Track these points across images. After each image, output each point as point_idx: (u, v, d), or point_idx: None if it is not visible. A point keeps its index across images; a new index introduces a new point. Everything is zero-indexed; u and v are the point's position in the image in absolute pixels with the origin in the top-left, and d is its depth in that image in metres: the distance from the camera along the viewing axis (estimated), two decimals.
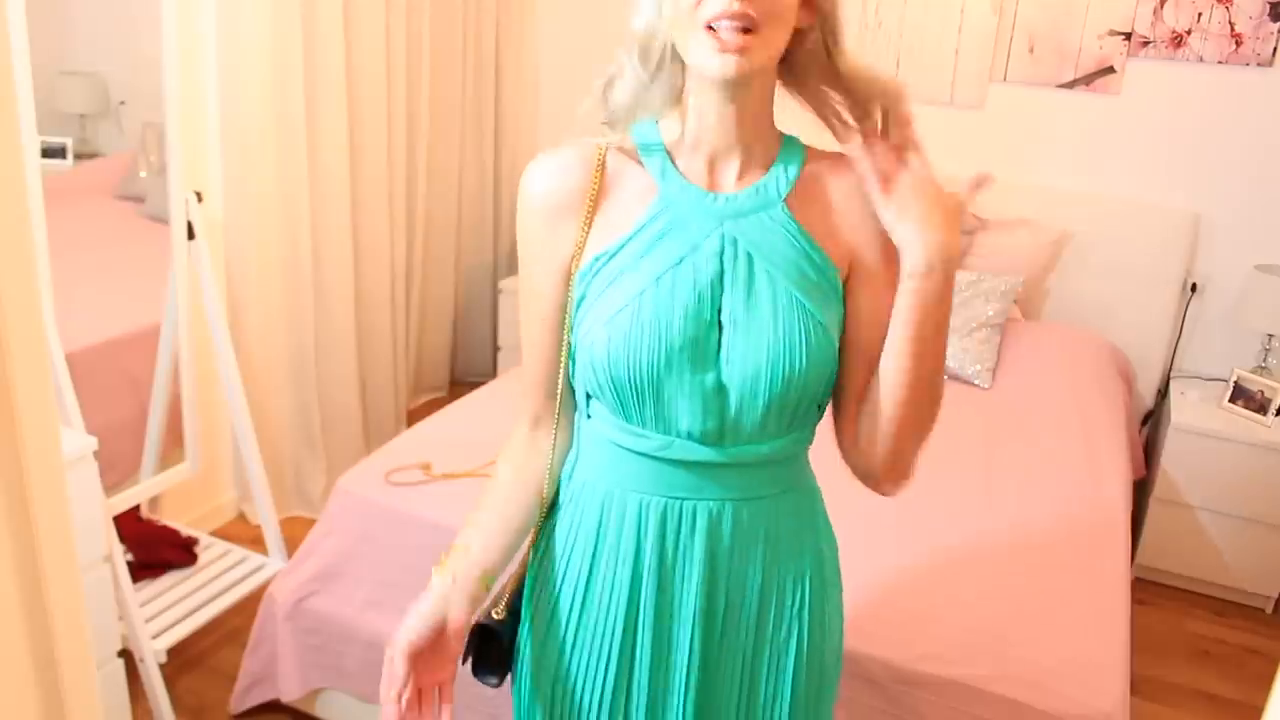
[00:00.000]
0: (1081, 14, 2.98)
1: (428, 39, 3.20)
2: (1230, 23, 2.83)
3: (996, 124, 3.16)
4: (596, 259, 0.99)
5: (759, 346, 0.96)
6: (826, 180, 1.02)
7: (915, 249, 0.93)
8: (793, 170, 1.01)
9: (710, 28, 0.88)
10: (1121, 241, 3.03)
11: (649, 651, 1.06)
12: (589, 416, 1.05)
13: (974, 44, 3.11)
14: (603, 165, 1.01)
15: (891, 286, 0.98)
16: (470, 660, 1.14)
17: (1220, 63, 2.87)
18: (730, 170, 1.00)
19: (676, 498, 1.02)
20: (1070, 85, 3.05)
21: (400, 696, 1.01)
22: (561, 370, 1.05)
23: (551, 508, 1.11)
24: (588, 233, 1.00)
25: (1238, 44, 2.84)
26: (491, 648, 1.14)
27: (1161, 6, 2.89)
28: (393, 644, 1.02)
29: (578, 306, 1.01)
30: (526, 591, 1.14)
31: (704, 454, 1.00)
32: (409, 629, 1.02)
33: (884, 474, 1.06)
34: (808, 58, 0.97)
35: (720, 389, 0.97)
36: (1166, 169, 3.02)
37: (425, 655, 1.03)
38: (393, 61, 3.04)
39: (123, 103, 2.40)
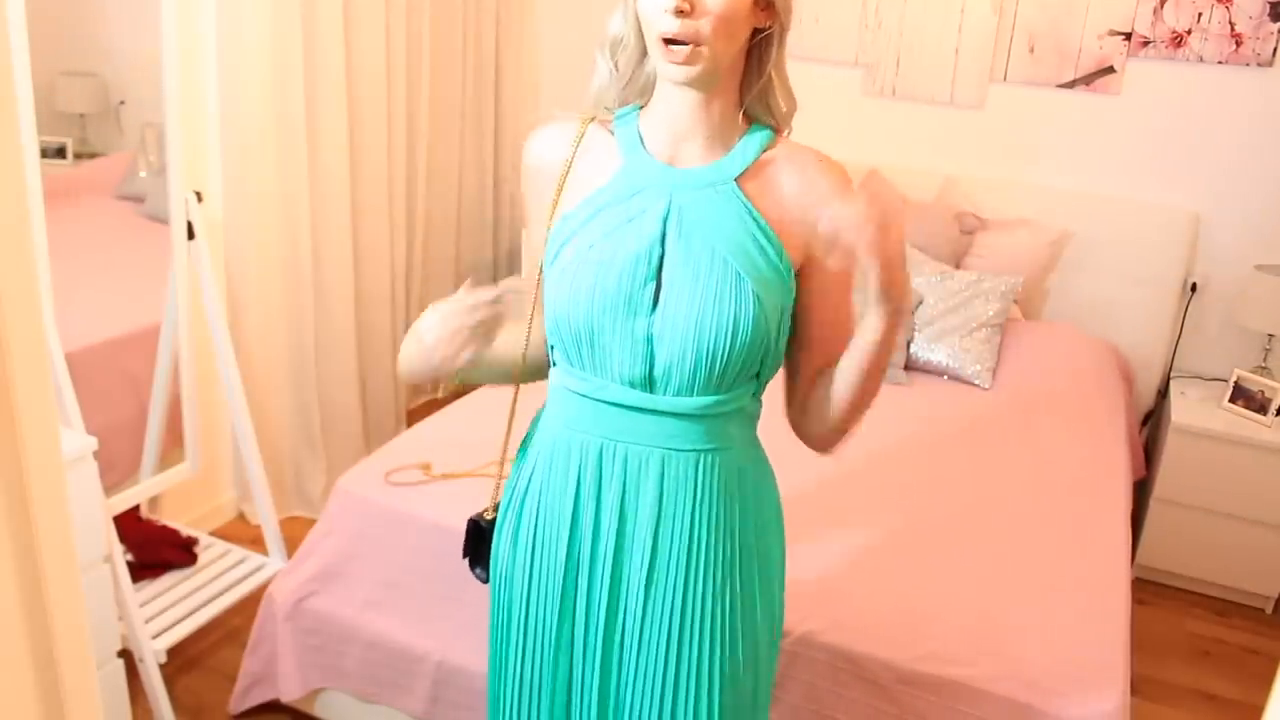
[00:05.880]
0: (1081, 14, 2.98)
1: (428, 39, 3.20)
2: (1230, 23, 2.83)
3: (996, 124, 3.16)
4: (564, 218, 1.12)
5: (690, 305, 1.06)
6: (784, 168, 1.10)
7: (891, 294, 0.98)
8: (750, 154, 1.10)
9: (665, 40, 1.00)
10: (1121, 241, 3.03)
11: (586, 582, 1.17)
12: (554, 364, 1.18)
13: (974, 44, 3.11)
14: (582, 138, 1.14)
15: (840, 282, 1.11)
16: (468, 556, 1.32)
17: (1220, 63, 2.87)
18: (692, 150, 1.10)
19: (611, 439, 1.13)
20: (1070, 85, 3.05)
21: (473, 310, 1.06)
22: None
23: (525, 441, 1.25)
24: (559, 196, 1.13)
25: (1238, 44, 2.84)
26: (484, 546, 1.30)
27: (1161, 6, 2.89)
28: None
29: (547, 259, 1.13)
30: (500, 514, 1.26)
31: (634, 398, 1.10)
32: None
33: (825, 443, 1.17)
34: (763, 51, 1.08)
35: (650, 340, 1.07)
36: (1166, 169, 3.02)
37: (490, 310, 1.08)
38: (393, 61, 3.04)
39: (123, 103, 2.40)
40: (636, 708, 1.18)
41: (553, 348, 1.16)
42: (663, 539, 1.13)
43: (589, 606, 1.17)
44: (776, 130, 1.13)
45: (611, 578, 1.15)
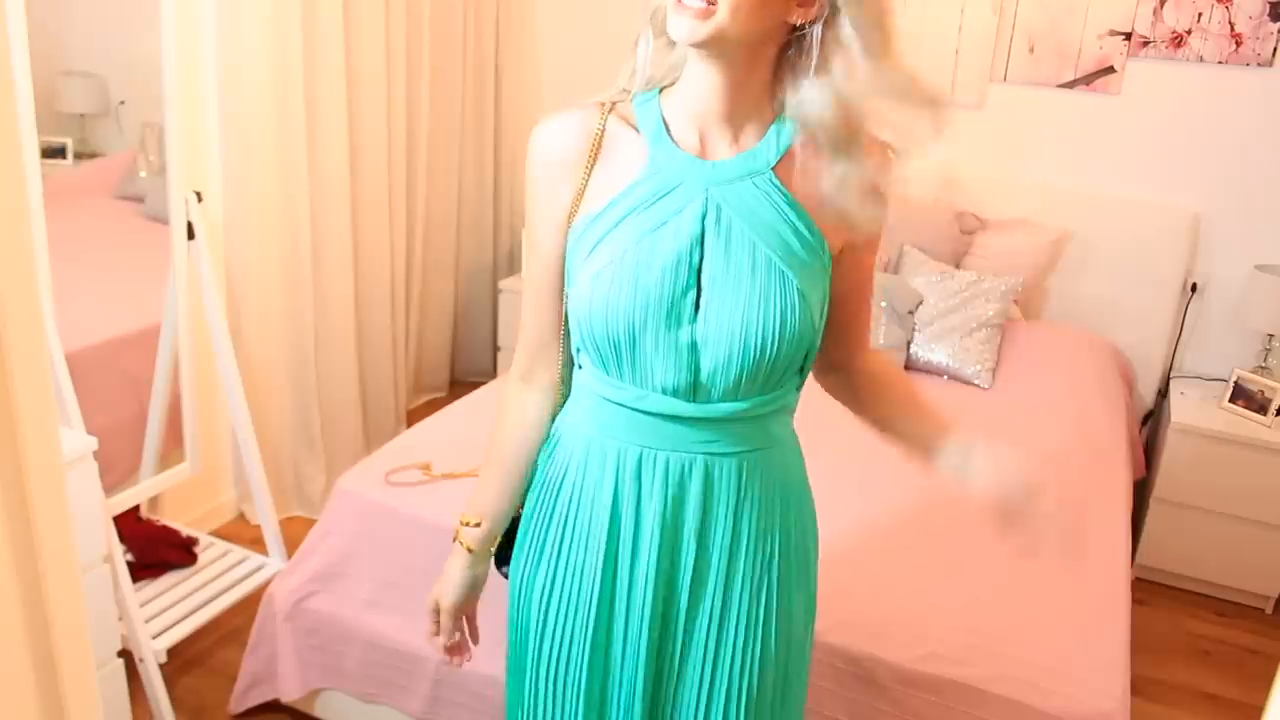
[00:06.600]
0: (1081, 14, 2.98)
1: (428, 39, 3.20)
2: (1230, 23, 2.83)
3: (996, 124, 3.16)
4: (587, 218, 1.05)
5: (734, 309, 1.01)
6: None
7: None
8: (784, 140, 1.04)
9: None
10: (1121, 241, 3.03)
11: (626, 589, 1.13)
12: (579, 367, 1.13)
13: (974, 44, 3.11)
14: (602, 129, 1.06)
15: (870, 251, 1.11)
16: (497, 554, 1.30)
17: (1220, 63, 2.87)
18: (722, 140, 1.04)
19: (651, 447, 1.08)
20: (1070, 85, 3.05)
21: (449, 646, 1.28)
22: (562, 323, 1.13)
23: (546, 441, 1.20)
24: (583, 192, 1.06)
25: (1238, 44, 2.84)
26: (511, 543, 1.27)
27: (1161, 6, 2.89)
28: (439, 608, 1.25)
29: (570, 262, 1.07)
30: (524, 517, 1.22)
31: (676, 407, 1.05)
32: (454, 595, 1.24)
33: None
34: (803, 49, 1.00)
35: (694, 347, 1.02)
36: (1166, 169, 3.02)
37: (463, 606, 1.27)
38: (393, 61, 3.04)
39: (123, 103, 2.40)
40: (679, 704, 1.17)
41: (579, 350, 1.11)
42: (706, 542, 1.11)
43: (629, 609, 1.13)
44: None
45: (656, 582, 1.11)
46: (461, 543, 1.23)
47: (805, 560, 1.19)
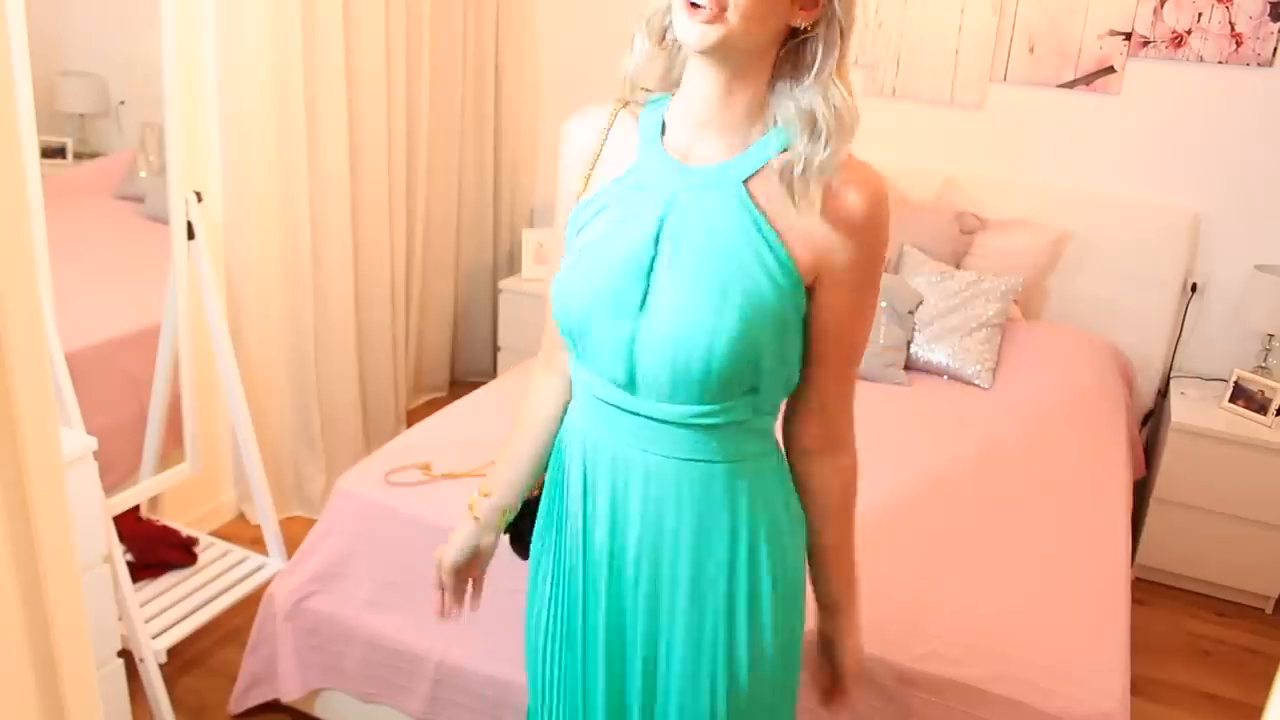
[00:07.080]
0: (1081, 14, 2.98)
1: (428, 39, 3.20)
2: (1230, 23, 2.83)
3: (996, 124, 3.16)
4: (581, 207, 1.10)
5: (669, 315, 1.01)
6: None
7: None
8: (767, 154, 1.01)
9: (690, 3, 0.94)
10: (1121, 241, 3.03)
11: (595, 574, 1.16)
12: None
13: (974, 44, 3.11)
14: (611, 125, 1.10)
15: (855, 291, 1.05)
16: (510, 536, 1.33)
17: (1220, 63, 2.87)
18: (711, 148, 1.04)
19: (604, 434, 1.11)
20: (1070, 85, 3.05)
21: (447, 603, 1.31)
22: None
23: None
24: (584, 184, 1.11)
25: (1238, 44, 2.84)
26: (528, 524, 1.30)
27: (1161, 6, 2.89)
28: (438, 564, 1.29)
29: (566, 249, 1.12)
30: (540, 501, 1.27)
31: (619, 398, 1.08)
32: (453, 555, 1.28)
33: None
34: (803, 56, 1.00)
35: (632, 342, 1.04)
36: (1166, 169, 3.02)
37: (463, 568, 1.30)
38: (393, 61, 3.04)
39: (123, 103, 2.40)
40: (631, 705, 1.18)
41: None
42: (645, 544, 1.11)
43: (589, 597, 1.16)
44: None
45: (610, 568, 1.13)
46: (471, 511, 1.28)
47: (758, 590, 1.12)
